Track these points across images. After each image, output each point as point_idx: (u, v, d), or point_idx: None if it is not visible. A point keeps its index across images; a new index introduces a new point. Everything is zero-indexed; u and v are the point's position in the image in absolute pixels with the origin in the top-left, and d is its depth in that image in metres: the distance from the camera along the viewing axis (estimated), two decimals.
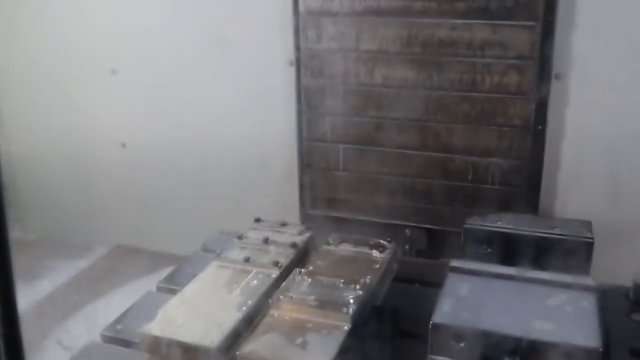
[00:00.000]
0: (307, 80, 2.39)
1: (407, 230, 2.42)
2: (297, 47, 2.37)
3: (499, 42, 2.13)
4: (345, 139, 2.41)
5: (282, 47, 2.43)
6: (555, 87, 2.15)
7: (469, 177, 2.29)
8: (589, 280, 1.63)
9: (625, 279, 1.84)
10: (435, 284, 1.84)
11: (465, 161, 2.29)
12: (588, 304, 1.54)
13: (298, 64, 2.39)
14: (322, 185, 2.53)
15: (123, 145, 2.88)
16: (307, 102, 2.42)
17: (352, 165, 2.45)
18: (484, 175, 2.28)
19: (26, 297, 2.39)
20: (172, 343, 1.53)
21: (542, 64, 2.11)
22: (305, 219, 2.55)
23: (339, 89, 2.35)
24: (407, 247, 2.42)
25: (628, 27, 2.06)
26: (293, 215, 2.55)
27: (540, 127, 2.18)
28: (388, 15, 2.21)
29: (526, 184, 2.25)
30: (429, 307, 1.57)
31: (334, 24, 2.28)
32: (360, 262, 1.91)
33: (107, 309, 2.04)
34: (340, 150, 2.43)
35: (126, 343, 1.68)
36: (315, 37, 2.33)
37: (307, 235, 2.04)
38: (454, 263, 1.73)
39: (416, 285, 1.99)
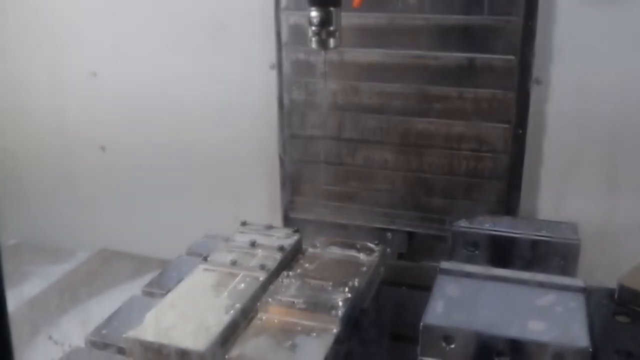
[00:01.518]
0: (290, 155, 2.53)
1: (388, 234, 2.44)
2: (282, 133, 2.49)
3: (475, 137, 2.26)
4: (326, 197, 2.54)
5: (263, 50, 2.43)
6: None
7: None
8: (577, 281, 1.64)
9: (608, 281, 1.86)
10: (418, 287, 1.85)
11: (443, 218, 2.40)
12: (577, 304, 1.55)
13: (283, 147, 2.51)
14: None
15: (102, 148, 2.85)
16: (290, 174, 2.55)
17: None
18: None
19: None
20: (159, 347, 1.51)
21: (515, 156, 2.25)
22: (288, 222, 2.55)
23: (320, 167, 2.48)
24: (388, 250, 2.44)
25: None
26: (275, 218, 2.55)
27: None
28: (368, 112, 2.35)
29: None
30: (416, 310, 1.57)
31: (317, 114, 2.41)
32: (348, 265, 1.90)
33: (91, 314, 2.01)
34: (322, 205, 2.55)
35: (112, 348, 1.65)
36: (299, 124, 2.45)
37: (294, 238, 2.03)
38: (444, 265, 1.73)
39: (403, 288, 1.99)
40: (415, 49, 2.24)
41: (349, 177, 2.48)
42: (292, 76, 2.41)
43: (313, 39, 1.71)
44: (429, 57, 2.23)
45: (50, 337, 1.76)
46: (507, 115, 2.20)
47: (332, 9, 1.67)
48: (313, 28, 1.69)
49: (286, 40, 2.38)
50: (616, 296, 1.81)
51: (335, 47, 1.73)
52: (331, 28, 1.68)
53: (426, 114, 2.29)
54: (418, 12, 2.19)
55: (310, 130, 2.45)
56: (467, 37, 2.16)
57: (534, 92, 2.19)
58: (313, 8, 1.67)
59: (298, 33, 2.33)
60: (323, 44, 1.70)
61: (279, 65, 2.42)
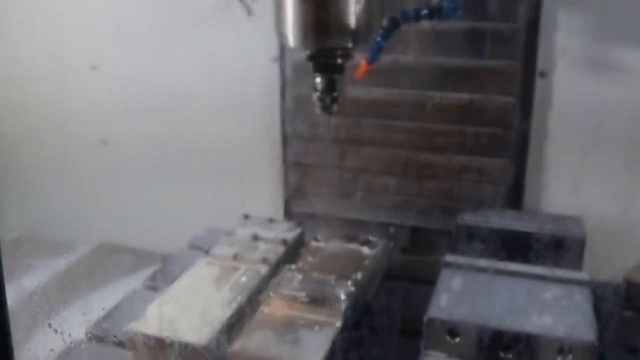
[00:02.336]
0: (292, 175, 2.54)
1: (390, 228, 2.44)
2: (284, 160, 2.51)
3: (475, 169, 2.26)
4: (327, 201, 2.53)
5: (266, 43, 2.41)
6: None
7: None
8: (582, 275, 1.63)
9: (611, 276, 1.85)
10: (422, 281, 1.84)
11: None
12: (582, 298, 1.53)
13: (286, 170, 2.53)
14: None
15: (103, 142, 2.84)
16: (293, 193, 2.55)
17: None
18: None
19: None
20: (160, 340, 1.50)
21: (515, 192, 2.24)
22: (290, 216, 2.54)
23: (322, 189, 2.49)
24: (391, 244, 2.44)
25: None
26: (277, 212, 2.53)
27: None
28: (370, 145, 2.37)
29: None
30: (420, 303, 1.56)
31: (320, 144, 2.43)
32: (351, 259, 1.89)
33: (91, 308, 1.99)
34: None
35: (113, 341, 1.64)
36: (302, 151, 2.47)
37: (296, 231, 2.02)
38: (448, 258, 1.72)
39: (406, 282, 1.99)
40: (417, 88, 2.26)
41: (349, 198, 2.48)
42: (295, 110, 2.43)
43: (318, 104, 1.74)
44: (431, 97, 2.26)
45: (49, 325, 1.75)
46: (507, 150, 2.21)
47: (336, 76, 1.70)
48: (318, 94, 1.71)
49: (290, 78, 2.40)
50: (622, 291, 1.79)
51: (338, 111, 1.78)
52: (335, 94, 1.70)
53: (426, 149, 2.31)
54: (420, 54, 2.21)
55: (313, 158, 2.46)
56: (468, 79, 2.19)
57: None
58: (318, 74, 1.71)
59: (301, 71, 2.32)
60: (327, 109, 1.74)
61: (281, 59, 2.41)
